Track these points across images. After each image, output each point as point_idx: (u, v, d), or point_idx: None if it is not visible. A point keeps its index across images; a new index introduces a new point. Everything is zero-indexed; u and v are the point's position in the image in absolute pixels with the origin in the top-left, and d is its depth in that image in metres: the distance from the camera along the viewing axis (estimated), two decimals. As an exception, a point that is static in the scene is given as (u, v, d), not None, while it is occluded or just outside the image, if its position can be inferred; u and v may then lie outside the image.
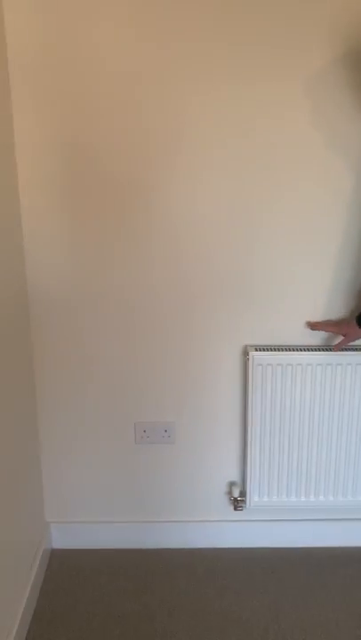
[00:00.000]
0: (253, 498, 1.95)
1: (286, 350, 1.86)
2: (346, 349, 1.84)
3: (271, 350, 1.86)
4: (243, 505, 1.98)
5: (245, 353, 1.87)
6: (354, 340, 1.81)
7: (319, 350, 1.85)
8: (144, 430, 1.96)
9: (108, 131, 1.69)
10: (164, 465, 1.99)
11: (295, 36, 1.65)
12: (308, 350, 1.85)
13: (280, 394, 1.86)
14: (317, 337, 1.89)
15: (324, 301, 1.86)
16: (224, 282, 1.84)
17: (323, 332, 1.87)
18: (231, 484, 2.01)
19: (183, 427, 1.96)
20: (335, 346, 1.83)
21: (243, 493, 1.98)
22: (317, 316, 1.87)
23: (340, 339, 1.83)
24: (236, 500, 1.99)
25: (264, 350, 1.85)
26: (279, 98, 1.69)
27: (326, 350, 1.85)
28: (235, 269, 1.83)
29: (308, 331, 1.88)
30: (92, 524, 2.05)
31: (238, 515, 2.02)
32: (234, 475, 2.00)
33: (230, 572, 1.95)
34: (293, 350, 1.86)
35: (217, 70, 1.66)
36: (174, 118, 1.69)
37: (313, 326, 1.86)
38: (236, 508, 1.99)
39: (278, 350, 1.86)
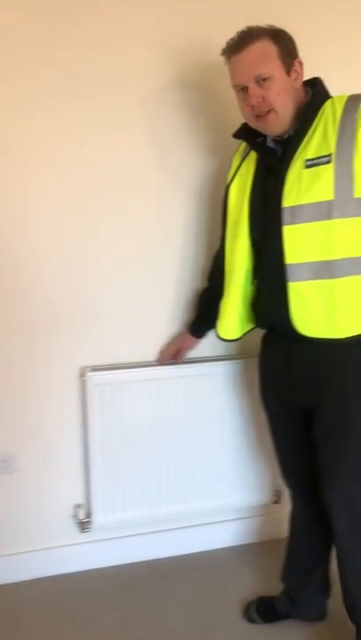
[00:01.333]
0: (99, 517, 1.96)
1: (126, 368, 1.90)
2: (184, 363, 1.93)
3: (110, 370, 1.88)
4: (89, 526, 1.97)
5: (82, 374, 1.88)
6: (191, 349, 1.91)
7: (156, 366, 1.92)
8: (-19, 462, 1.88)
9: None
10: (4, 496, 1.93)
11: (125, 60, 1.73)
12: (148, 367, 1.91)
13: (119, 412, 1.89)
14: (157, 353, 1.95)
15: (161, 318, 1.94)
16: (58, 307, 1.84)
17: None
18: (77, 507, 2.00)
19: (23, 455, 1.91)
20: (175, 360, 1.92)
21: (88, 514, 1.98)
22: (156, 334, 1.94)
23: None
24: (81, 522, 1.98)
25: (103, 370, 1.87)
26: (110, 119, 1.75)
27: (165, 365, 1.92)
28: (69, 294, 1.84)
29: (149, 347, 1.94)
30: None
31: (85, 537, 2.01)
32: (79, 497, 1.99)
33: (80, 595, 1.93)
34: (133, 368, 1.90)
35: (39, 90, 1.67)
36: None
37: (160, 360, 1.93)
38: (82, 530, 1.98)
39: (117, 369, 1.89)
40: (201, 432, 1.98)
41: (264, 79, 1.42)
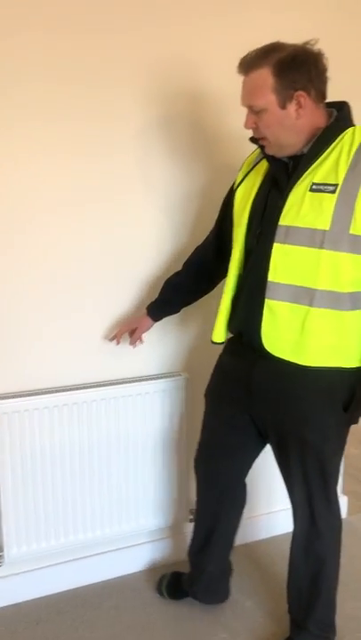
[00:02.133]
0: (12, 550, 1.89)
1: (36, 395, 1.87)
2: (98, 386, 1.92)
3: (19, 397, 1.85)
4: (1, 560, 1.91)
5: (-10, 403, 1.83)
6: (146, 331, 1.91)
7: (65, 391, 1.90)
8: None
9: None
10: None
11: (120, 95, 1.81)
12: (58, 392, 1.88)
13: (29, 439, 1.85)
14: (73, 377, 1.94)
15: (75, 343, 1.93)
16: None
17: (77, 369, 1.93)
18: (-13, 541, 1.92)
19: None
20: (131, 340, 1.91)
21: (0, 548, 1.91)
22: (71, 358, 1.93)
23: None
24: (-7, 556, 1.91)
25: (11, 398, 1.83)
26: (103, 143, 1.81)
27: (72, 390, 1.90)
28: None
29: (64, 371, 1.92)
30: None
31: (-3, 572, 1.94)
32: (-10, 531, 1.92)
33: (-7, 634, 1.85)
34: (43, 394, 1.87)
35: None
36: None
37: (115, 339, 1.90)
38: (-6, 566, 1.91)
39: (27, 396, 1.86)
40: (115, 455, 1.97)
41: (257, 110, 1.44)
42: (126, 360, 1.99)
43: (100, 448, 1.95)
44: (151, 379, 2.01)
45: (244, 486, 1.84)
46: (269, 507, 2.31)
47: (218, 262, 1.78)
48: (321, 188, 1.40)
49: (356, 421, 1.56)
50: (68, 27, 1.72)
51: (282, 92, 1.40)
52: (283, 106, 1.42)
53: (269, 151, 1.50)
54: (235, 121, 1.63)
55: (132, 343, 1.92)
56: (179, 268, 1.88)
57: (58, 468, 1.91)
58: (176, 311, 1.91)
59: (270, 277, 1.47)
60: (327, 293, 1.42)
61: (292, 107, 1.42)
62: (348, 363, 1.49)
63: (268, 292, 1.47)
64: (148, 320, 1.89)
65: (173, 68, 1.86)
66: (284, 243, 1.44)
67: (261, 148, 1.54)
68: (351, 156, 1.39)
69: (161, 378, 2.01)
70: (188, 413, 2.04)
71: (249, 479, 1.84)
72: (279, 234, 1.45)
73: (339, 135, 1.43)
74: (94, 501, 1.97)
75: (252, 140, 1.56)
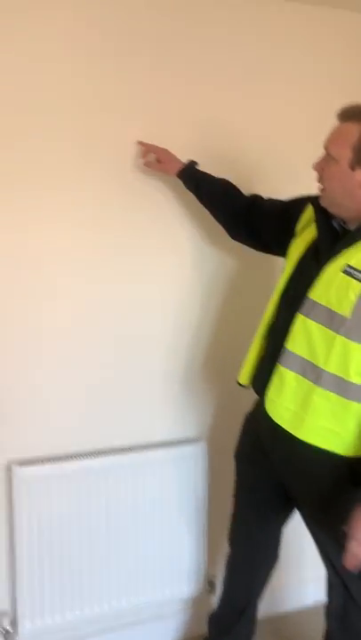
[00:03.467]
0: (26, 625, 1.82)
1: (56, 461, 1.82)
2: (117, 453, 1.89)
3: (38, 463, 1.81)
4: (15, 636, 1.83)
5: (8, 468, 1.80)
6: (166, 170, 1.80)
7: (90, 456, 1.86)
8: None
9: None
10: None
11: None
12: (79, 458, 1.85)
13: (47, 507, 1.81)
14: (89, 444, 1.90)
15: (97, 405, 1.90)
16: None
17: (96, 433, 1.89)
18: (1, 615, 1.85)
19: None
20: (148, 163, 1.81)
21: (14, 622, 1.84)
22: (92, 423, 1.89)
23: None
24: (6, 631, 1.83)
25: (30, 465, 1.79)
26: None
27: (95, 455, 1.87)
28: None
29: (77, 437, 1.88)
30: None
31: (11, 647, 1.86)
32: (3, 603, 1.85)
33: None
34: (63, 460, 1.83)
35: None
36: None
37: (142, 145, 1.80)
38: (7, 641, 1.84)
39: (46, 462, 1.82)
40: (134, 524, 1.92)
41: (329, 157, 1.43)
42: (147, 425, 1.97)
43: (118, 517, 1.90)
44: (172, 444, 1.98)
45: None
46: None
47: (247, 220, 1.77)
48: (353, 273, 1.38)
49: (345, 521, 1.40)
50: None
51: (358, 154, 1.38)
52: (353, 167, 1.39)
53: (323, 202, 1.49)
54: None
55: (149, 166, 1.82)
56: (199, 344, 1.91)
57: (75, 537, 1.85)
58: (200, 195, 1.81)
59: (287, 345, 1.48)
60: (334, 377, 1.41)
61: (359, 173, 1.40)
62: (345, 451, 1.45)
63: (282, 359, 1.48)
64: (177, 168, 1.79)
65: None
66: (307, 316, 1.44)
67: (317, 202, 1.51)
68: None
69: (181, 444, 1.98)
70: (208, 481, 2.00)
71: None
72: (305, 306, 1.45)
73: None
74: (110, 573, 1.91)
75: (312, 200, 1.54)
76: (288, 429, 1.47)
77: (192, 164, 1.80)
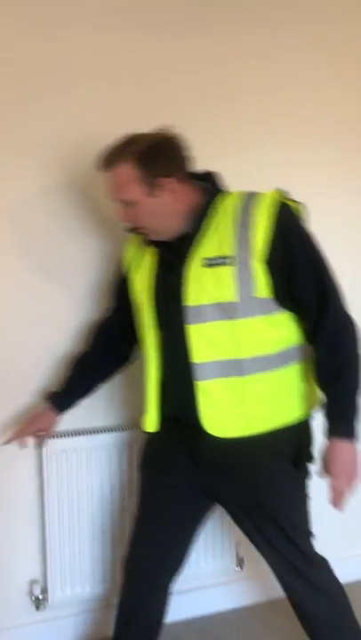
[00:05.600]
0: (56, 593, 1.86)
1: (85, 434, 1.85)
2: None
3: (68, 436, 1.83)
4: (45, 603, 1.87)
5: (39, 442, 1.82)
6: (53, 428, 1.72)
7: (117, 431, 1.88)
8: None
9: None
10: None
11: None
12: (107, 432, 1.87)
13: (76, 480, 1.84)
14: (117, 417, 1.91)
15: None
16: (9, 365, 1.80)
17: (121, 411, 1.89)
18: (32, 583, 1.90)
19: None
20: (25, 441, 1.71)
21: (45, 590, 1.88)
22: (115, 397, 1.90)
23: None
24: (37, 598, 1.88)
25: (60, 437, 1.82)
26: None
27: (121, 430, 1.89)
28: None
29: (106, 412, 1.90)
30: None
31: (41, 614, 1.90)
32: (35, 572, 1.90)
33: None
34: (92, 434, 1.85)
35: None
36: None
37: (8, 442, 1.71)
38: (38, 608, 1.88)
39: (76, 435, 1.84)
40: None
41: (128, 203, 1.43)
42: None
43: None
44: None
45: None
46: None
47: (124, 342, 1.71)
48: (215, 262, 1.40)
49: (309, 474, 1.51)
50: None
51: (148, 182, 1.40)
52: (152, 194, 1.41)
53: (153, 237, 1.49)
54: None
55: (39, 441, 1.74)
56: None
57: (107, 509, 1.88)
58: (83, 395, 1.72)
59: (194, 359, 1.43)
60: (254, 359, 1.41)
61: (165, 194, 1.41)
62: (291, 417, 1.46)
63: (197, 375, 1.43)
64: (53, 416, 1.69)
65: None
66: (197, 323, 1.42)
67: (143, 236, 1.52)
68: (233, 224, 1.40)
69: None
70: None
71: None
72: (190, 315, 1.42)
73: (211, 207, 1.44)
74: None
75: (132, 230, 1.52)
76: (237, 435, 1.43)
77: (55, 396, 1.70)
